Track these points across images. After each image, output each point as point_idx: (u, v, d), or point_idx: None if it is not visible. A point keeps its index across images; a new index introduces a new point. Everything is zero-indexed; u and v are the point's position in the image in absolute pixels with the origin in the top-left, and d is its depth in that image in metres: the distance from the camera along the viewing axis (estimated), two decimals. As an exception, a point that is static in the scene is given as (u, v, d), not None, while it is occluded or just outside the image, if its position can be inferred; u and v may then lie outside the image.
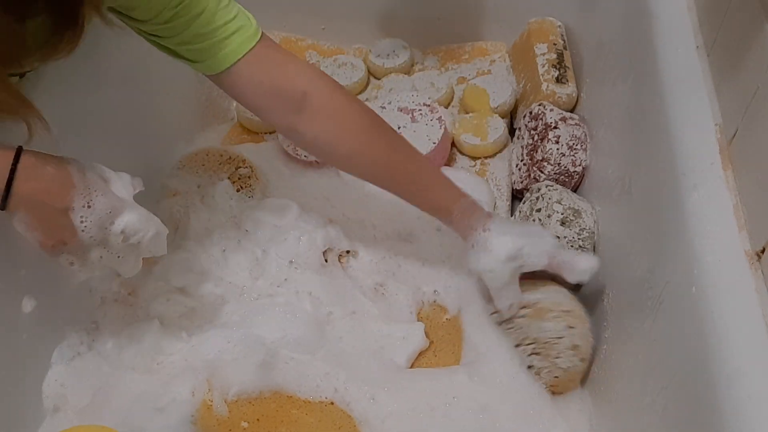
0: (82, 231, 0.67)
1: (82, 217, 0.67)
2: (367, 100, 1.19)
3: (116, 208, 0.69)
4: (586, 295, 0.92)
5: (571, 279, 0.83)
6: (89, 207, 0.67)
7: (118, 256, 0.72)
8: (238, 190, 1.02)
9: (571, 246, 0.90)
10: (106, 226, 0.69)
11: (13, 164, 0.64)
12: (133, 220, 0.70)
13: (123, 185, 0.71)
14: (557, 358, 0.82)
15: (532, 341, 0.83)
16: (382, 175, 0.85)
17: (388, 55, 1.22)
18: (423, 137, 1.04)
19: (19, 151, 0.64)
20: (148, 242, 0.72)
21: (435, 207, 0.86)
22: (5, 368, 0.79)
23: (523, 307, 0.84)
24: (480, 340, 0.89)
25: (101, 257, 0.71)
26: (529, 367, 0.83)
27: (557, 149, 0.99)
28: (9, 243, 0.80)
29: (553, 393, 0.84)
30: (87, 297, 0.92)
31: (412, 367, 0.89)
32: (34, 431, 0.83)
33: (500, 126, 1.10)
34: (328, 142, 0.82)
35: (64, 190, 0.66)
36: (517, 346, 0.85)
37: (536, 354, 0.83)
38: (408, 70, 1.22)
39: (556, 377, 0.83)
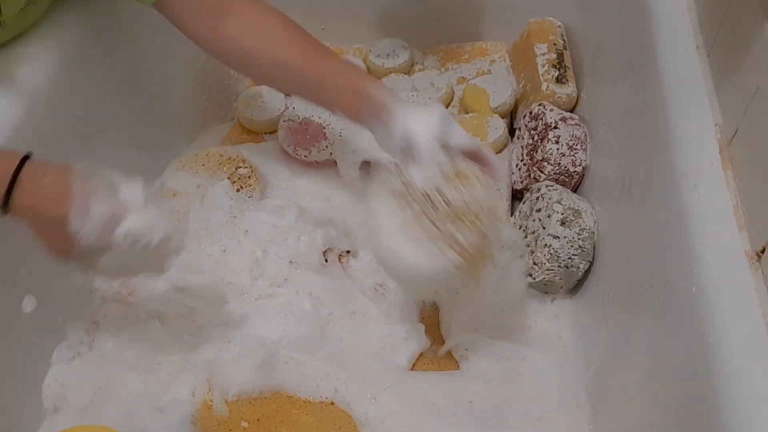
0: (81, 239, 0.67)
1: (79, 225, 0.66)
2: (367, 100, 1.19)
3: (118, 214, 0.68)
4: (587, 295, 0.93)
5: (495, 174, 0.79)
6: (87, 215, 0.67)
7: (131, 261, 0.72)
8: (238, 190, 1.02)
9: (571, 246, 0.90)
10: (107, 233, 0.68)
11: (14, 173, 0.65)
12: (135, 225, 0.69)
13: (133, 190, 0.71)
14: (484, 224, 0.75)
15: (462, 216, 0.74)
16: (305, 77, 0.84)
17: (388, 55, 1.22)
18: (423, 137, 1.04)
19: (23, 160, 0.65)
20: (156, 246, 0.71)
21: (348, 86, 0.82)
22: (5, 368, 0.79)
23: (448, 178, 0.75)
24: (475, 341, 0.89)
25: (110, 263, 0.71)
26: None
27: (557, 149, 0.99)
28: (9, 243, 0.80)
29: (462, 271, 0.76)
30: (87, 297, 0.92)
31: (412, 368, 0.89)
32: (34, 431, 0.83)
33: (500, 126, 1.10)
34: (253, 45, 0.83)
35: (60, 200, 0.66)
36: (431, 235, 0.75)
37: (467, 228, 0.75)
38: (408, 70, 1.22)
39: (477, 246, 0.75)
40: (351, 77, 0.83)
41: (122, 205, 0.69)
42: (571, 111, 1.07)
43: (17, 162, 0.65)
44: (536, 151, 1.01)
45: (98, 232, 0.68)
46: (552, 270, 0.91)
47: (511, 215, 1.04)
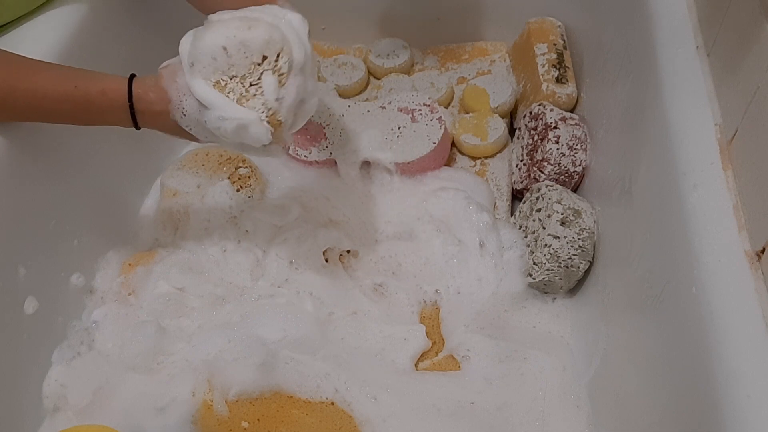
0: (193, 133, 0.73)
1: (186, 126, 0.73)
2: (366, 100, 1.19)
3: (201, 106, 0.71)
4: (587, 295, 0.93)
5: None
6: (185, 115, 0.72)
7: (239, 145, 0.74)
8: (238, 190, 1.02)
9: (571, 246, 0.90)
10: (202, 123, 0.72)
11: (129, 97, 0.72)
12: (213, 116, 0.71)
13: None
14: None
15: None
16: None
17: (388, 55, 1.22)
18: (423, 137, 1.04)
19: (130, 83, 0.72)
20: (233, 134, 0.71)
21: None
22: (5, 368, 0.79)
23: None
24: (476, 341, 0.89)
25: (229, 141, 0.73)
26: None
27: (557, 149, 0.99)
28: (9, 242, 0.80)
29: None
30: (87, 297, 0.93)
31: (413, 368, 0.89)
32: (34, 431, 0.83)
33: (500, 126, 1.10)
34: None
35: (164, 109, 0.72)
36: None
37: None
38: (408, 70, 1.22)
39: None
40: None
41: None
42: (571, 111, 1.07)
43: (126, 84, 0.72)
44: (536, 151, 1.01)
45: (199, 125, 0.72)
46: (552, 270, 0.91)
47: (511, 215, 1.04)
